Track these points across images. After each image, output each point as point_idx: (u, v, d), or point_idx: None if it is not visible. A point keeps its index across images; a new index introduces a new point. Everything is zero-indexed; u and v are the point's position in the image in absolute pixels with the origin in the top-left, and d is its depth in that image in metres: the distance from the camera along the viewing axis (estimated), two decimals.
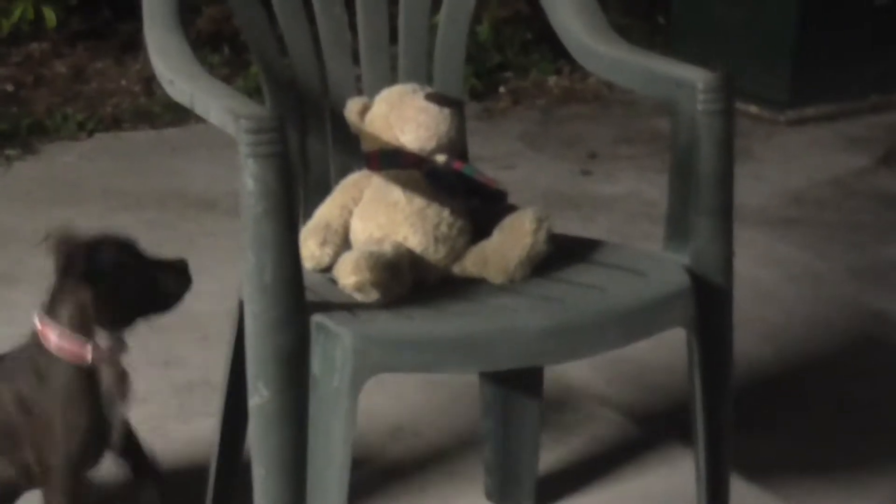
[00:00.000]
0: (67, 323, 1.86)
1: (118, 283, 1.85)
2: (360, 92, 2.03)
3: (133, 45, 4.71)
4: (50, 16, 4.43)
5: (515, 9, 4.74)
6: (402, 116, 1.89)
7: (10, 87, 4.49)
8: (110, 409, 1.90)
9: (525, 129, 4.21)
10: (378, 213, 1.89)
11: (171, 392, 2.61)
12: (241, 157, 1.68)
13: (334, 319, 1.73)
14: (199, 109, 1.78)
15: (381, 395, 2.54)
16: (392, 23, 2.08)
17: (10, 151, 3.98)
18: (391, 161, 1.89)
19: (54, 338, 1.86)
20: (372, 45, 2.06)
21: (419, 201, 1.88)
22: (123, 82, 4.55)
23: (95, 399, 1.88)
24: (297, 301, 1.73)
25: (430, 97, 1.91)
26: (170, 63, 1.83)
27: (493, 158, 3.82)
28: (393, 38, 2.08)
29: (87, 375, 1.88)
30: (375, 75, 2.05)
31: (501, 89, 4.50)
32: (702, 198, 1.88)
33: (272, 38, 2.01)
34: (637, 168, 3.85)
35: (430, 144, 1.89)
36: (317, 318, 1.74)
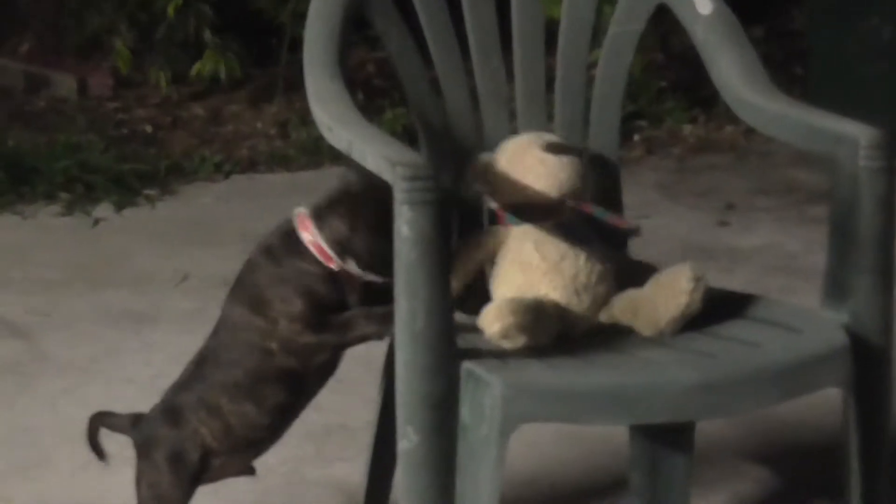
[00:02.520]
0: (327, 236, 1.90)
1: (383, 237, 1.84)
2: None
3: (268, 89, 4.81)
4: (234, 67, 4.55)
5: (649, 57, 4.74)
6: (522, 169, 1.91)
7: (148, 129, 4.61)
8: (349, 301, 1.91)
9: (660, 179, 4.20)
10: (514, 274, 1.90)
11: (307, 436, 2.64)
12: (397, 203, 1.71)
13: (484, 367, 1.75)
14: (356, 156, 1.82)
15: (515, 444, 2.52)
16: (549, 74, 2.10)
17: (149, 192, 4.08)
18: (518, 216, 1.91)
19: (310, 234, 1.90)
20: (528, 96, 2.09)
21: (552, 255, 1.89)
22: (259, 125, 4.64)
23: (332, 293, 1.89)
24: (447, 348, 1.75)
25: (548, 147, 1.92)
26: (329, 110, 1.87)
27: (628, 208, 3.81)
28: (549, 88, 2.10)
29: (326, 275, 1.89)
30: (531, 126, 2.07)
31: (636, 138, 4.50)
32: (862, 256, 1.85)
33: (429, 88, 2.04)
34: (775, 220, 3.81)
35: (554, 194, 1.90)
36: (467, 366, 1.76)
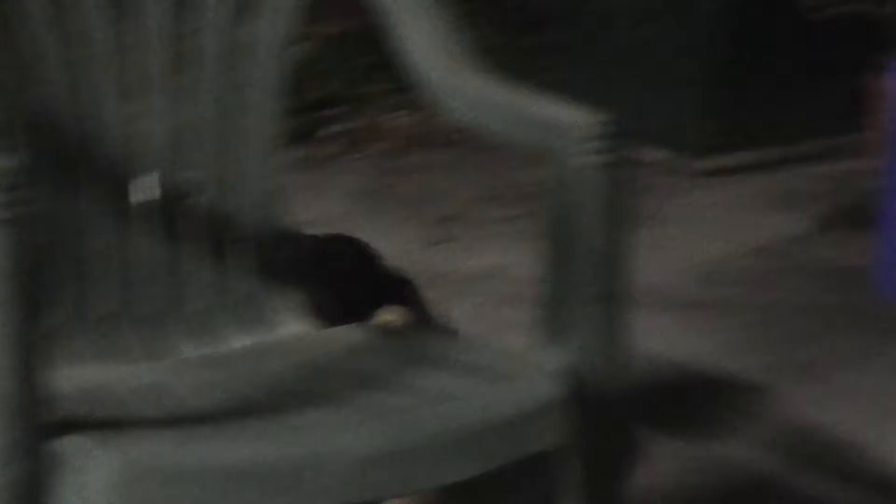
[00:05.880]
0: None
1: None
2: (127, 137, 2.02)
3: None
4: None
5: (345, 25, 4.76)
6: None
7: None
8: None
9: (360, 184, 4.23)
10: None
11: None
12: None
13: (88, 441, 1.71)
14: None
15: None
16: None
17: None
18: None
19: None
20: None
21: None
22: None
23: None
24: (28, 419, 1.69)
25: None
26: None
27: (317, 221, 3.83)
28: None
29: None
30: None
31: (327, 130, 4.53)
32: (585, 280, 1.89)
33: None
34: (505, 235, 3.89)
35: None
36: (63, 443, 1.72)
